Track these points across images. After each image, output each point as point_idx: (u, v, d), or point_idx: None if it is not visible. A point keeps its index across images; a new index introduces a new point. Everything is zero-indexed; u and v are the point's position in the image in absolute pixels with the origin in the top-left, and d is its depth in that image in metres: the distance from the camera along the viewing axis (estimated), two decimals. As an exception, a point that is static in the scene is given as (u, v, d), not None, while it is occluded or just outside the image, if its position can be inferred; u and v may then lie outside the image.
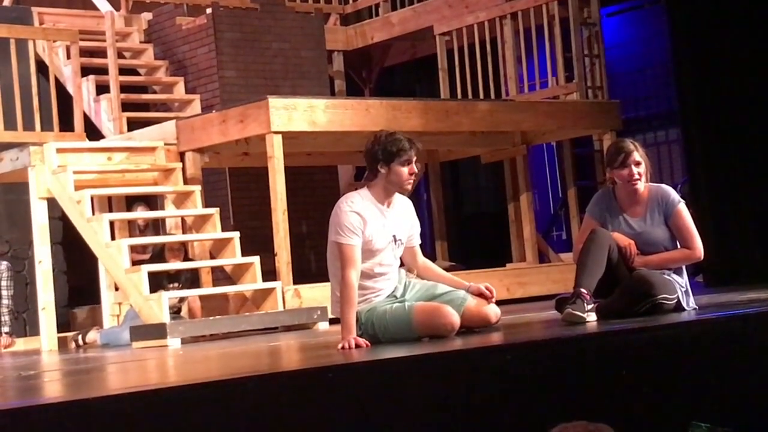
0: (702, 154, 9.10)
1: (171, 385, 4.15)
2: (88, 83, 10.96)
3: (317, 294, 8.76)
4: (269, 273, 9.17)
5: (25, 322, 10.53)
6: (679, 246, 5.78)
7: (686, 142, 9.48)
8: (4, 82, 10.03)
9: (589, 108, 10.95)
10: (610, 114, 10.98)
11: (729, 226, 8.92)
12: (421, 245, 5.88)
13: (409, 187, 5.57)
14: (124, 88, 10.91)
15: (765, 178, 8.82)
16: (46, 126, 10.13)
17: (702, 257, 5.83)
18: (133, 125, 10.58)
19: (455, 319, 5.44)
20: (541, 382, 4.31)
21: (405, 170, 5.50)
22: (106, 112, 10.82)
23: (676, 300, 5.65)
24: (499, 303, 5.80)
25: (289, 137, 9.20)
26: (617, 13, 14.81)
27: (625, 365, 4.48)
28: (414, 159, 5.52)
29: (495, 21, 11.39)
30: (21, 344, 9.70)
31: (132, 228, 10.20)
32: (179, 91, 11.39)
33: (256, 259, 9.07)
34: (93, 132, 10.66)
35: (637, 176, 5.74)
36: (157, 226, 10.49)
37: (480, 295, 5.64)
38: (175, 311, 8.88)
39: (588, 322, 5.44)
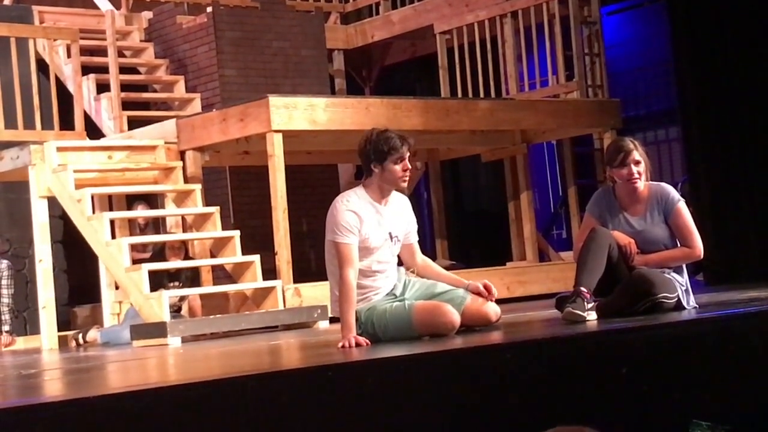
0: (702, 153, 9.10)
1: (171, 383, 4.15)
2: (89, 82, 10.96)
3: (317, 293, 8.76)
4: (269, 272, 9.17)
5: (25, 320, 10.53)
6: (679, 245, 5.78)
7: (686, 141, 9.48)
8: (5, 80, 10.03)
9: (589, 106, 10.95)
10: (611, 112, 10.98)
11: (729, 224, 8.92)
12: (421, 244, 5.88)
13: (405, 184, 5.55)
14: (125, 87, 10.91)
15: (765, 177, 8.82)
16: (47, 125, 10.14)
17: (702, 256, 5.83)
18: (134, 124, 10.58)
19: (455, 317, 5.44)
20: (541, 380, 4.31)
21: (398, 168, 5.49)
22: (106, 110, 10.82)
23: (676, 299, 5.65)
24: (499, 302, 5.80)
25: (289, 136, 9.20)
26: (617, 11, 14.81)
27: (625, 364, 4.48)
28: (407, 156, 5.50)
29: (495, 19, 11.39)
30: (21, 343, 9.71)
31: (132, 227, 10.20)
32: (179, 89, 11.39)
33: (256, 258, 9.07)
34: (93, 131, 10.66)
35: (636, 175, 5.73)
36: (157, 225, 10.49)
37: (479, 293, 5.64)
38: (176, 310, 8.88)
39: (588, 320, 5.44)
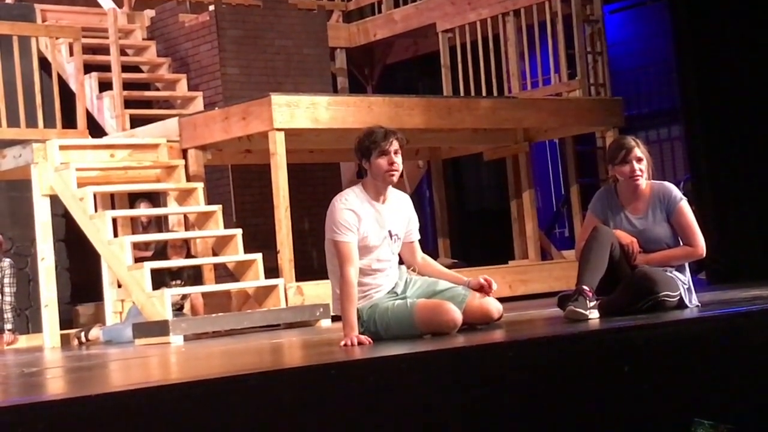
0: (704, 151, 9.09)
1: (173, 382, 4.16)
2: (91, 80, 10.97)
3: (320, 291, 8.77)
4: (271, 270, 9.17)
5: (27, 319, 10.54)
6: (681, 243, 5.78)
7: (689, 139, 9.48)
8: (7, 78, 10.04)
9: (591, 105, 10.95)
10: (613, 111, 10.98)
11: (731, 223, 8.92)
12: (422, 243, 5.88)
13: (393, 178, 5.50)
14: (127, 86, 10.92)
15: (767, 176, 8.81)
16: (49, 123, 10.15)
17: (704, 254, 5.83)
18: (136, 122, 10.59)
19: (457, 315, 5.44)
20: (543, 379, 4.31)
21: (383, 162, 5.46)
22: (108, 109, 10.82)
23: (678, 297, 5.64)
24: (501, 300, 5.80)
25: (291, 134, 9.20)
26: (620, 10, 14.82)
27: (628, 362, 4.47)
28: (392, 149, 5.45)
29: (498, 18, 11.39)
30: (24, 341, 9.72)
31: (134, 225, 10.22)
32: (182, 88, 11.40)
33: (258, 256, 9.08)
34: (96, 129, 10.67)
35: (638, 172, 5.73)
36: (159, 223, 10.49)
37: (479, 288, 5.63)
38: (178, 308, 8.89)
39: (590, 319, 5.44)
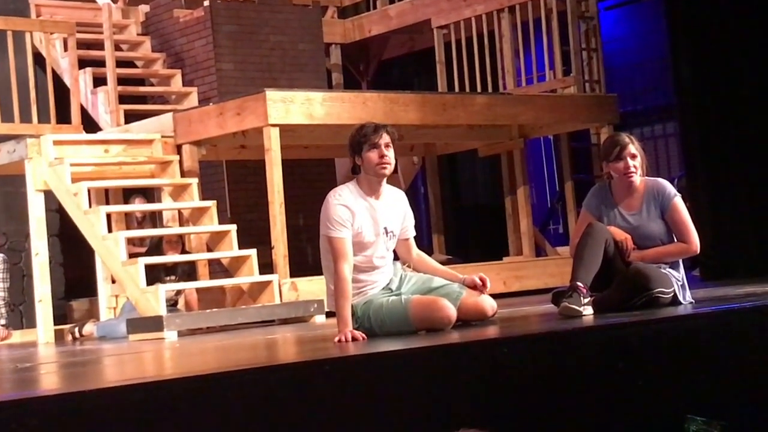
0: (699, 148, 9.10)
1: (168, 377, 4.16)
2: (85, 75, 10.95)
3: (314, 287, 8.77)
4: (266, 266, 9.17)
5: (21, 314, 10.53)
6: (675, 240, 5.78)
7: (683, 136, 9.50)
8: (1, 74, 10.03)
9: (586, 101, 10.95)
10: (608, 108, 10.98)
11: (726, 220, 8.93)
12: (417, 239, 5.88)
13: (385, 171, 5.48)
14: (122, 81, 10.90)
15: (762, 172, 8.82)
16: (43, 118, 10.13)
17: (698, 251, 5.83)
18: (130, 117, 10.57)
19: (452, 312, 5.44)
20: (537, 375, 4.31)
21: (374, 154, 5.45)
22: (103, 104, 10.81)
23: (672, 294, 5.65)
24: (495, 296, 5.80)
25: (286, 130, 9.20)
26: (615, 6, 14.83)
27: (622, 358, 4.48)
28: (382, 142, 5.45)
29: (493, 14, 11.39)
30: (18, 336, 9.70)
31: (129, 220, 10.21)
32: (176, 83, 11.38)
33: (252, 252, 9.07)
34: (90, 124, 10.66)
35: (632, 169, 5.73)
36: (154, 219, 10.49)
37: (474, 286, 5.64)
38: (172, 304, 8.88)
39: (584, 315, 5.44)
